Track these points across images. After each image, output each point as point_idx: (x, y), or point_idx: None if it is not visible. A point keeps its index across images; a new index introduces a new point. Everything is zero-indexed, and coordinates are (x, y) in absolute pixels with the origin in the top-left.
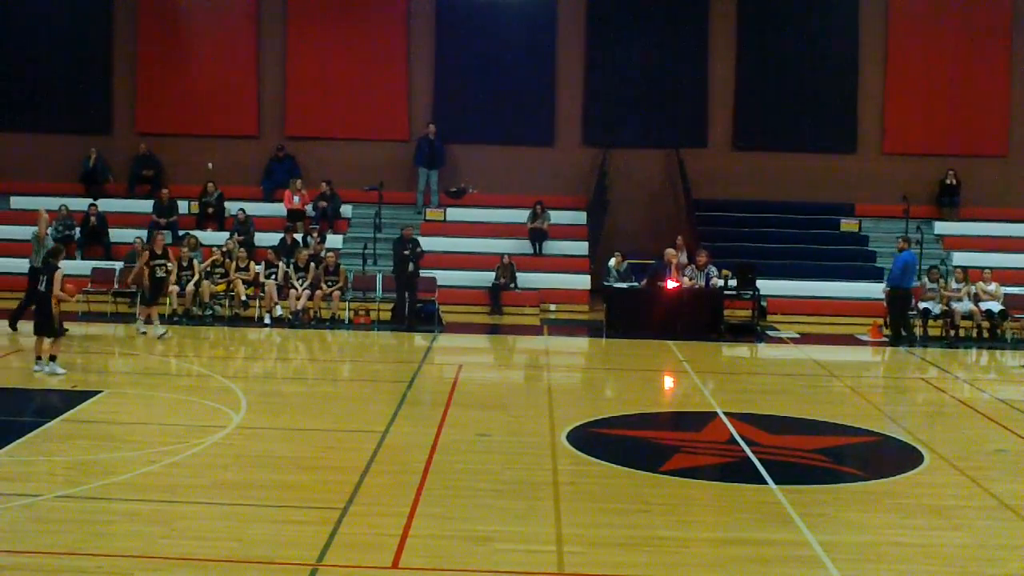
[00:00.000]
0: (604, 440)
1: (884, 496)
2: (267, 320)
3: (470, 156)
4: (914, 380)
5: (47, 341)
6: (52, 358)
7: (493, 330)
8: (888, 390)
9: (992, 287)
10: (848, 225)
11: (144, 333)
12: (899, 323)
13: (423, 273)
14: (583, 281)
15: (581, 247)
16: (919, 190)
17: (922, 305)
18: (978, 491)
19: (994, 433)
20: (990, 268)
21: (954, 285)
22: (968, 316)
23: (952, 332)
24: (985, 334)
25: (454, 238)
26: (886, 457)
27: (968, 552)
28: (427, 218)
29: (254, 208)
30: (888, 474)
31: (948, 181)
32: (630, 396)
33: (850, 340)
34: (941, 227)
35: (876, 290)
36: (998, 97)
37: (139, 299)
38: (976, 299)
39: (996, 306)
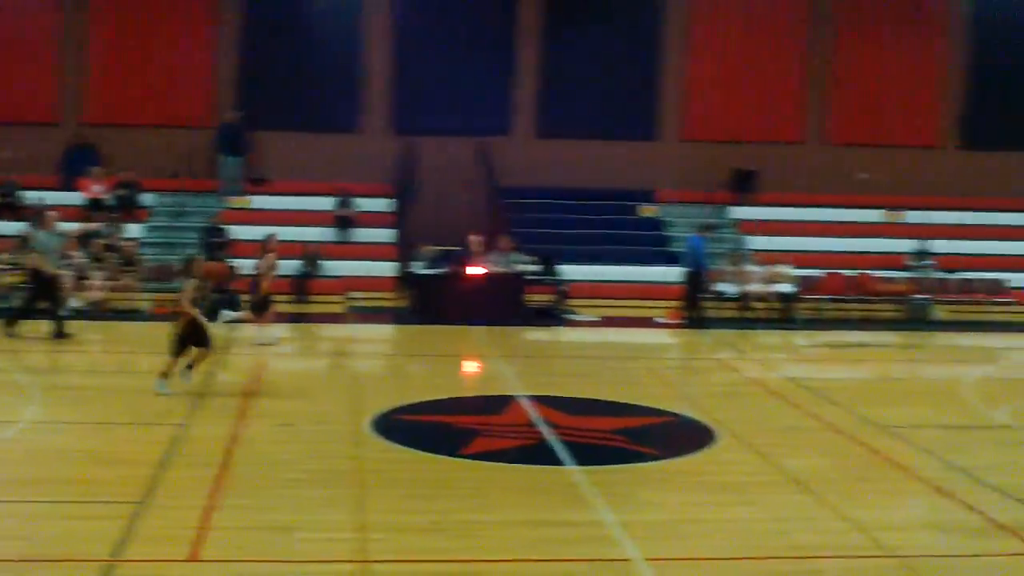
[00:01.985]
0: (407, 426)
1: (680, 474)
2: (63, 311)
3: (275, 143)
4: (709, 361)
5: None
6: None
7: (298, 318)
8: (684, 371)
9: (784, 269)
10: (647, 210)
11: (273, 343)
12: (694, 305)
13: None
14: (389, 268)
15: (388, 235)
16: (717, 176)
17: (718, 287)
18: (768, 467)
19: (784, 411)
20: (784, 251)
21: (751, 268)
22: (761, 298)
23: (746, 313)
24: (778, 315)
25: (259, 226)
26: (682, 436)
27: (759, 526)
28: (231, 206)
29: (52, 197)
30: (684, 453)
31: (744, 167)
32: (434, 382)
33: (648, 323)
34: (737, 212)
35: (674, 274)
36: (794, 85)
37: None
38: (769, 281)
39: (789, 288)
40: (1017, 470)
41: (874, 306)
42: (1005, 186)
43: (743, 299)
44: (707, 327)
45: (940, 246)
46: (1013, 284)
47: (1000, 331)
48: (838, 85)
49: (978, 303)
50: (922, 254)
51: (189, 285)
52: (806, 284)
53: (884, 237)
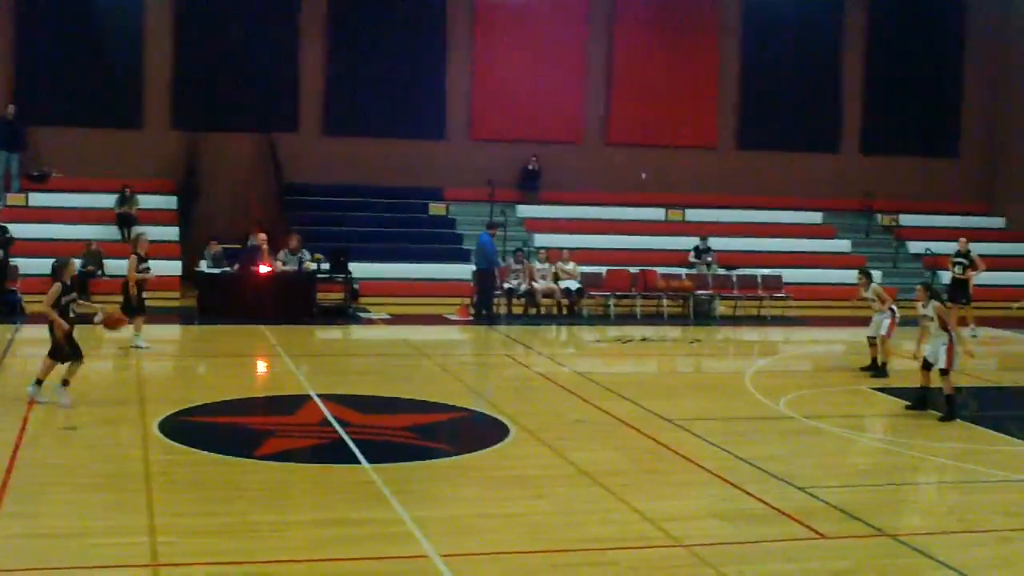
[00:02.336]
0: (196, 428)
1: (473, 470)
2: None
3: (53, 138)
4: (500, 356)
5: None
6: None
7: (80, 319)
8: (475, 367)
9: (570, 267)
10: (436, 209)
11: (147, 347)
12: (484, 302)
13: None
14: (174, 267)
15: (172, 232)
16: (504, 175)
17: (507, 285)
18: (559, 460)
19: (574, 405)
20: (568, 248)
21: (538, 265)
22: (548, 294)
23: (534, 309)
24: (564, 311)
25: (38, 224)
26: (474, 432)
27: (552, 519)
28: (8, 204)
29: None
30: (476, 448)
31: (530, 167)
32: (223, 383)
33: (439, 320)
34: (524, 210)
35: (463, 271)
36: (574, 87)
37: (127, 310)
38: (556, 278)
39: (574, 284)
40: (797, 459)
41: (657, 302)
42: (780, 185)
43: (530, 295)
44: (496, 323)
45: (720, 244)
46: (789, 280)
47: (778, 325)
48: (618, 87)
49: (757, 298)
50: (703, 251)
51: (54, 289)
52: (591, 281)
53: (666, 235)
